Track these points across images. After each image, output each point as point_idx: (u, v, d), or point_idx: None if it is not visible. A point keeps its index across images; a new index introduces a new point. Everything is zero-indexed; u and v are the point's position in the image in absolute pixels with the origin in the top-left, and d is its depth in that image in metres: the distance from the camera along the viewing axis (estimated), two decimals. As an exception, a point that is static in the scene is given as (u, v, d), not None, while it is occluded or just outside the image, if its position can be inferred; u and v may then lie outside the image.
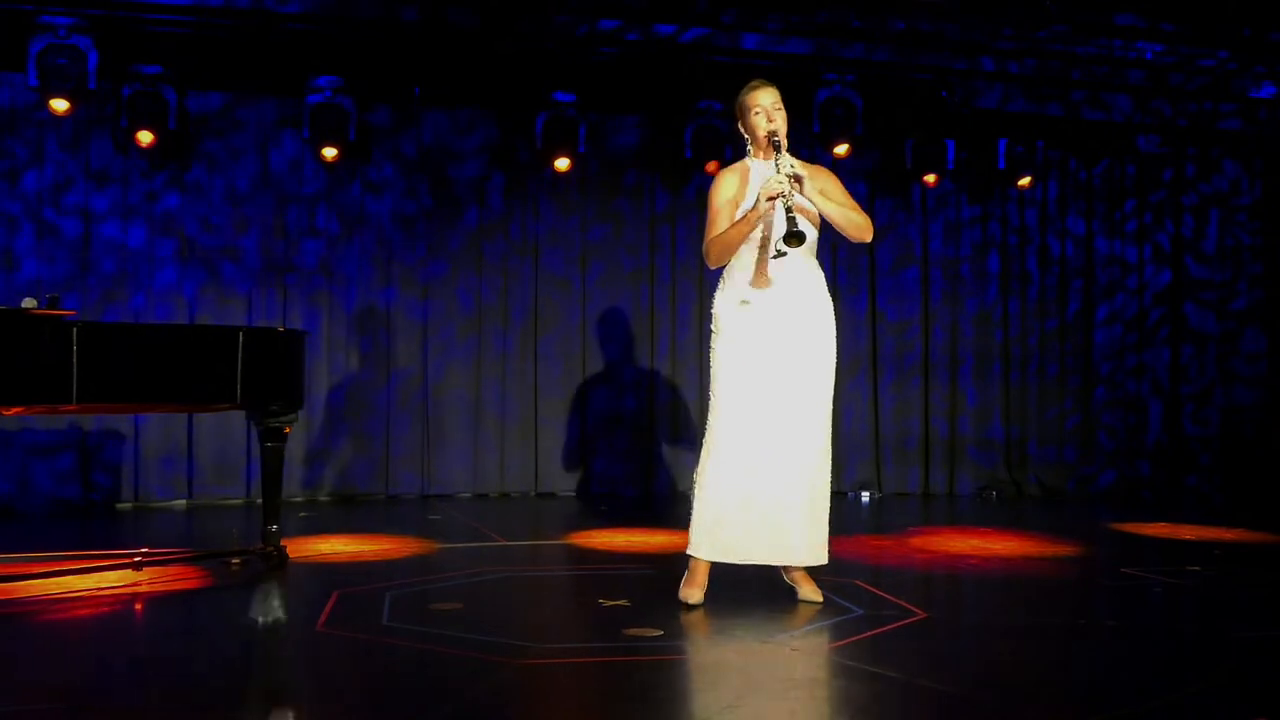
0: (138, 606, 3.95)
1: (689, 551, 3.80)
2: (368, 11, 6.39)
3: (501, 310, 7.50)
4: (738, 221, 3.73)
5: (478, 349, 7.44)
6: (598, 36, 6.73)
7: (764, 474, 3.70)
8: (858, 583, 4.33)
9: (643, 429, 7.60)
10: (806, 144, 7.79)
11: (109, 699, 2.85)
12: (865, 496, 7.76)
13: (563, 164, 7.22)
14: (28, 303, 3.96)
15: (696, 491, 3.80)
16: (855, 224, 3.78)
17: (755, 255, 3.77)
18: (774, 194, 3.59)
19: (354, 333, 7.26)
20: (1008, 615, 3.92)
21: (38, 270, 6.66)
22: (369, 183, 7.29)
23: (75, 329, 3.93)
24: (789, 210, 3.54)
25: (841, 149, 7.37)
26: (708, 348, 3.92)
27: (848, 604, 3.89)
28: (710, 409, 3.81)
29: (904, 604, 3.90)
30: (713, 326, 3.86)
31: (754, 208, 3.67)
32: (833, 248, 7.94)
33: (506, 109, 7.40)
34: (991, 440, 8.14)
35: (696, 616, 3.67)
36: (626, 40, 6.75)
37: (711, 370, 3.83)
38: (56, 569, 4.22)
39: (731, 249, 3.76)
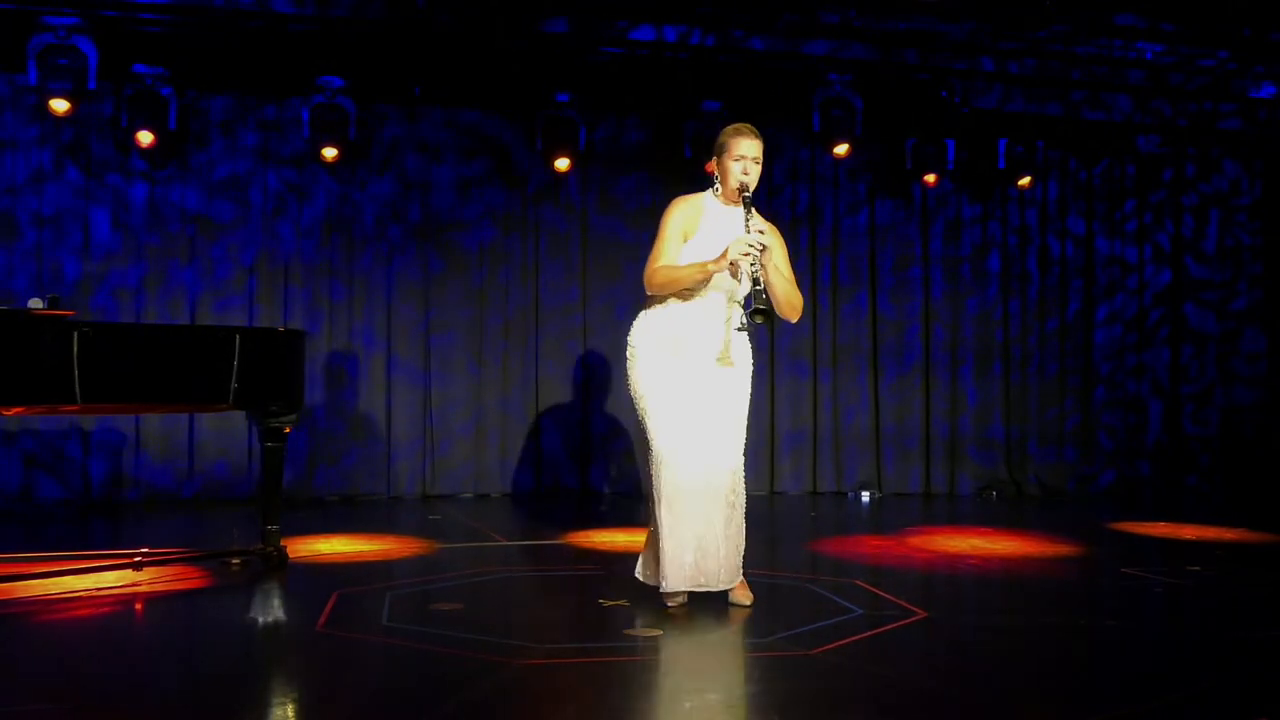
0: (138, 606, 3.95)
1: (662, 589, 3.73)
2: (368, 12, 6.39)
3: (503, 308, 7.50)
4: (694, 265, 3.65)
5: (479, 348, 7.44)
6: (598, 37, 6.72)
7: (702, 503, 3.67)
8: (858, 583, 4.33)
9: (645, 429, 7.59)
10: (806, 144, 7.84)
11: (109, 699, 2.85)
12: (865, 496, 7.76)
13: (563, 164, 7.23)
14: (34, 303, 3.97)
15: (660, 528, 3.71)
16: (792, 304, 3.74)
17: (684, 297, 3.73)
18: (744, 254, 3.51)
19: (355, 331, 7.26)
20: (1008, 615, 3.92)
21: (35, 269, 6.66)
22: (369, 179, 7.29)
23: (77, 329, 3.93)
24: (758, 283, 3.49)
25: (841, 149, 7.37)
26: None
27: (848, 604, 3.90)
28: (651, 447, 3.74)
29: (904, 604, 3.90)
30: (628, 354, 3.82)
31: (718, 259, 3.57)
32: (832, 249, 7.98)
33: (506, 109, 7.41)
34: (992, 440, 8.14)
35: (695, 618, 3.67)
36: (627, 40, 6.75)
37: (631, 391, 3.80)
38: (56, 569, 4.22)
39: (678, 286, 3.71)
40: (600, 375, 7.60)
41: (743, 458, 3.81)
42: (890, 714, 2.76)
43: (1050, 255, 8.32)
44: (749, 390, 3.85)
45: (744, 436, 3.82)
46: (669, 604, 3.74)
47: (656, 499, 3.72)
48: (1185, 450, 8.37)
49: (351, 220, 7.27)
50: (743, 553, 3.80)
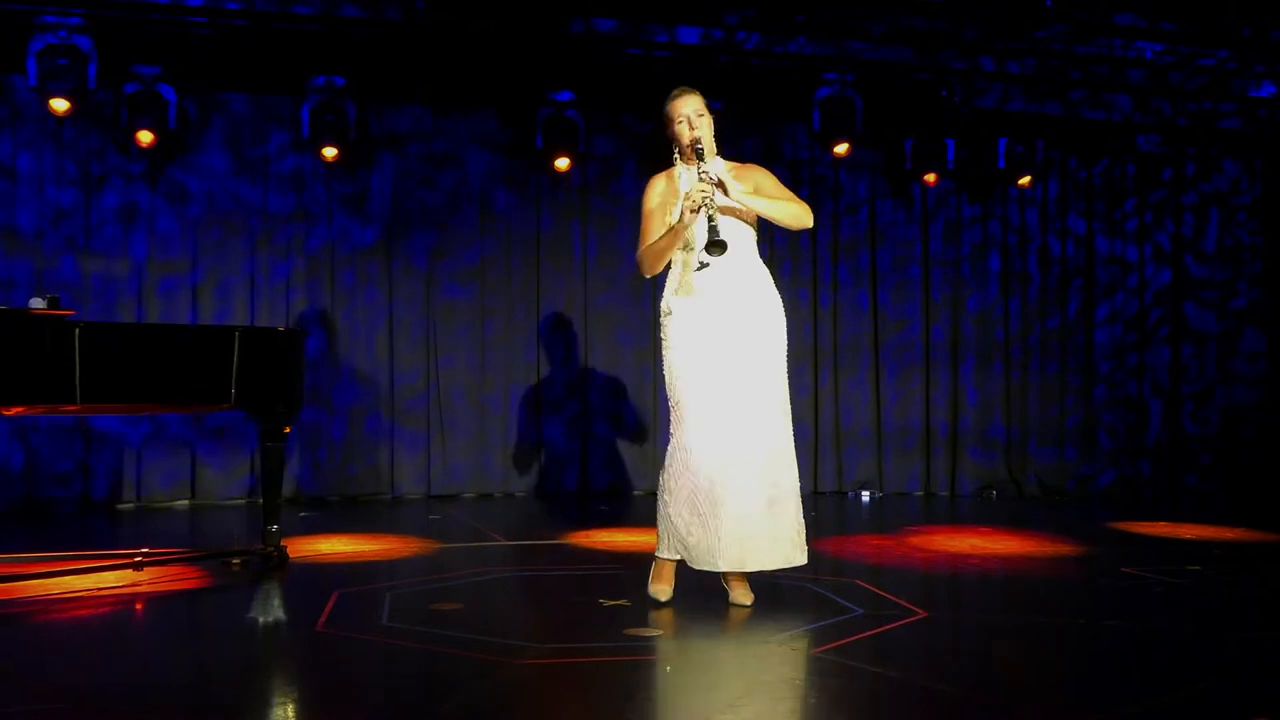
0: (138, 606, 3.95)
1: (656, 553, 3.80)
2: (368, 11, 6.39)
3: (505, 310, 7.50)
4: (665, 233, 3.71)
5: (480, 349, 7.44)
6: (598, 36, 6.73)
7: (726, 477, 3.66)
8: (858, 582, 4.33)
9: (645, 428, 7.60)
10: (806, 144, 7.84)
11: (109, 699, 2.85)
12: (866, 496, 7.76)
13: (563, 164, 7.23)
14: (34, 303, 3.97)
15: (661, 495, 3.77)
16: (789, 213, 3.74)
17: (691, 261, 3.74)
18: (696, 205, 3.56)
19: (356, 331, 7.26)
20: (1008, 615, 3.92)
21: (35, 269, 6.66)
22: (369, 177, 7.29)
23: (78, 329, 3.93)
24: (711, 219, 3.51)
25: (841, 149, 7.38)
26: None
27: (848, 604, 3.90)
28: (672, 413, 3.76)
29: (904, 604, 3.90)
30: (661, 334, 3.82)
31: (679, 219, 3.65)
32: (833, 248, 7.98)
33: (506, 109, 7.41)
34: (992, 439, 8.14)
35: (696, 617, 3.67)
36: (627, 40, 6.75)
37: (665, 373, 3.80)
38: (56, 569, 4.22)
39: (662, 259, 3.75)
40: (601, 376, 7.60)
41: (786, 436, 3.78)
42: (890, 714, 2.76)
43: (1050, 254, 8.32)
44: (782, 364, 3.79)
45: (781, 414, 3.77)
46: (659, 599, 3.75)
47: (673, 489, 3.70)
48: (1185, 450, 8.37)
49: (351, 219, 7.27)
50: (791, 534, 3.74)
